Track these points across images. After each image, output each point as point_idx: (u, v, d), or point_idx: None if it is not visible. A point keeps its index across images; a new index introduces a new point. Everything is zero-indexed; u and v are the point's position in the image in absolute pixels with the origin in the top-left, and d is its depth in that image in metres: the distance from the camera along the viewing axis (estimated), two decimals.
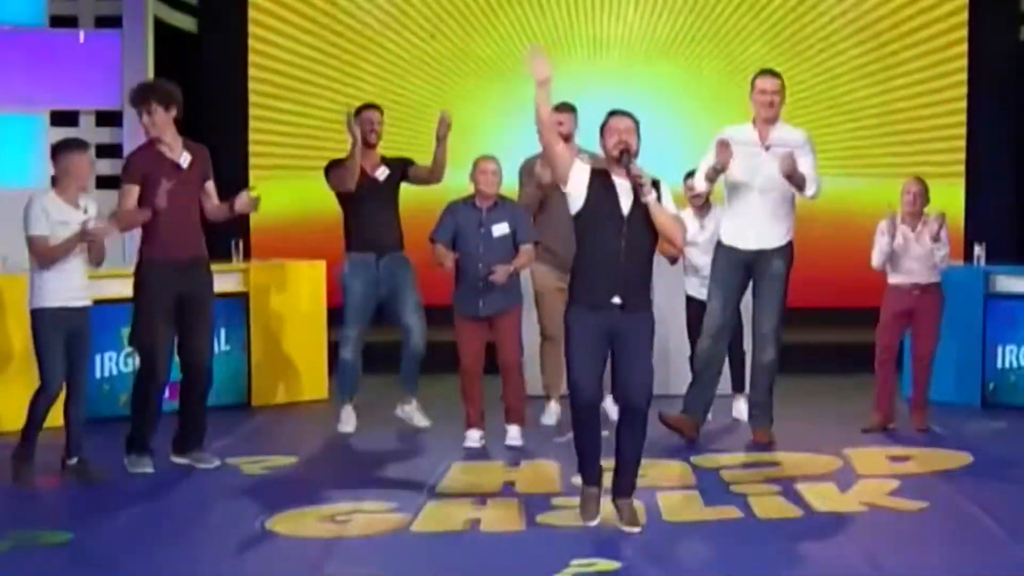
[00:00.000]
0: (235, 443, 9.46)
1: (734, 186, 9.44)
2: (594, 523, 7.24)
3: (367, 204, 9.67)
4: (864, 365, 10.28)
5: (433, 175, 9.85)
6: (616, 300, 7.13)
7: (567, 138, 9.96)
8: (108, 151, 13.20)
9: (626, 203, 7.15)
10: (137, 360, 8.95)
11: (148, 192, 8.43)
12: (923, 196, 9.81)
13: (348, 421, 9.96)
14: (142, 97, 8.61)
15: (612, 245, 7.13)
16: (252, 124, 14.44)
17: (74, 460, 8.31)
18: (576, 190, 7.20)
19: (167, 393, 9.97)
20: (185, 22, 14.25)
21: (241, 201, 8.68)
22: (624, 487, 7.31)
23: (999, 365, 10.81)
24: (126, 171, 8.61)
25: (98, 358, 10.13)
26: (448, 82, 14.61)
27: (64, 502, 7.92)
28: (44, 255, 8.04)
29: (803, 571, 6.62)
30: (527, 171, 10.08)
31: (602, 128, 7.24)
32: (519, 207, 9.52)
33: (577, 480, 7.65)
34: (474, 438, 9.37)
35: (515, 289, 9.40)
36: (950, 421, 9.92)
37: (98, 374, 10.15)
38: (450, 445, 9.36)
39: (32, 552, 6.80)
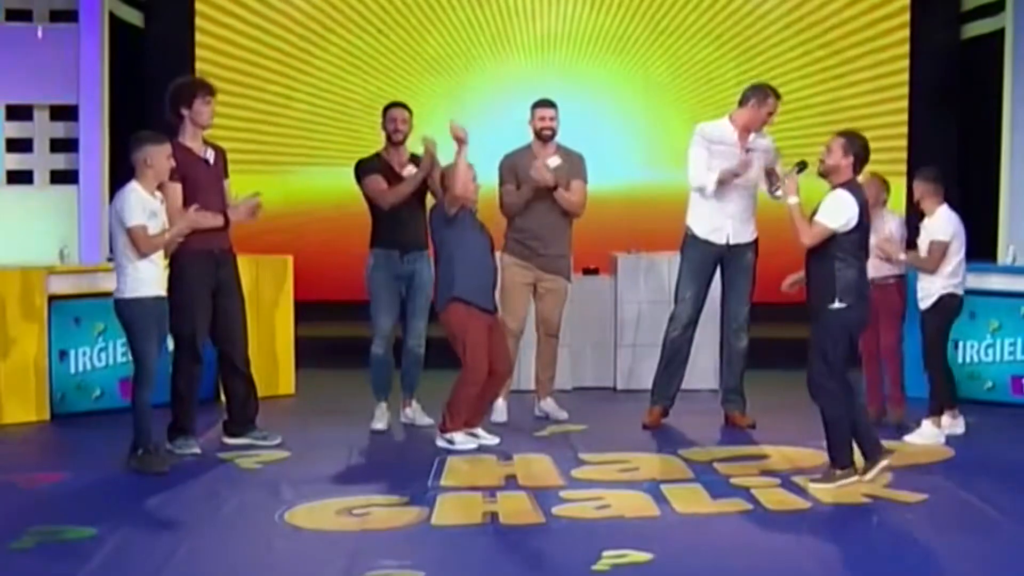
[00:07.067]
0: (217, 437, 9.41)
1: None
2: None
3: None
4: None
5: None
6: None
7: (554, 134, 10.06)
8: (63, 146, 13.08)
9: None
10: (175, 348, 9.17)
11: (186, 188, 8.74)
12: (876, 193, 10.04)
13: (380, 419, 9.88)
14: (213, 88, 9.07)
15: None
16: None
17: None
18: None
19: (120, 393, 10.03)
20: (132, 16, 14.12)
21: (241, 212, 9.14)
22: None
23: (960, 360, 11.02)
24: None
25: (72, 353, 10.19)
26: (396, 79, 14.65)
27: (85, 497, 7.86)
28: (146, 244, 8.21)
29: (833, 560, 6.74)
30: (508, 168, 10.15)
31: None
32: None
33: (577, 472, 8.35)
34: (465, 439, 9.22)
35: None
36: (917, 416, 10.07)
37: (73, 369, 10.20)
38: (433, 438, 9.37)
39: (57, 547, 6.77)
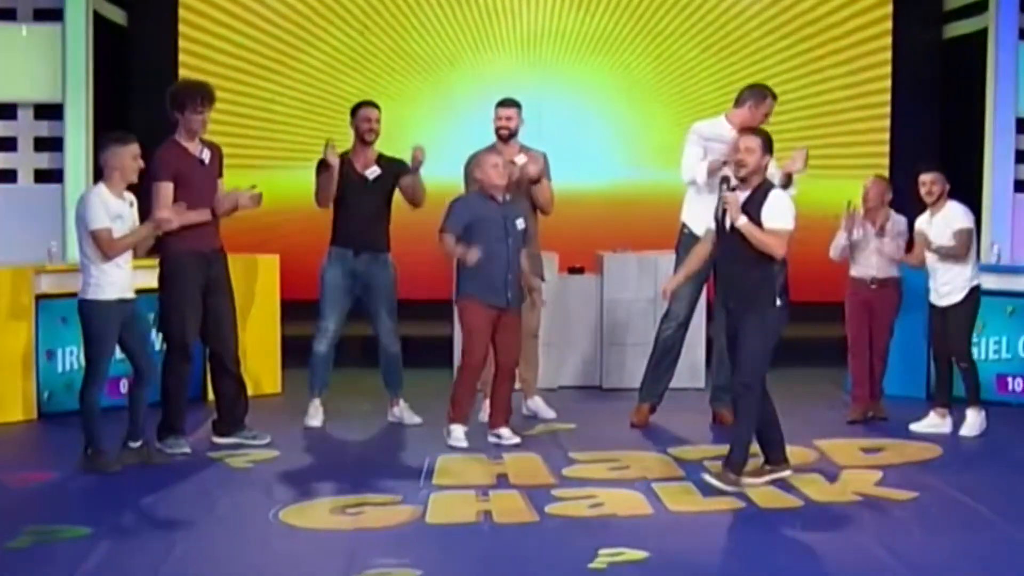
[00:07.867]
0: (206, 436, 9.40)
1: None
2: None
3: (352, 200, 9.73)
4: (815, 359, 10.61)
5: (412, 201, 9.91)
6: None
7: (512, 134, 10.04)
8: (48, 144, 13.03)
9: None
10: (165, 348, 9.19)
11: (179, 188, 8.72)
12: (881, 194, 10.14)
13: (315, 415, 9.95)
14: (211, 98, 8.99)
15: None
16: None
17: (138, 443, 8.56)
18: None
19: (108, 392, 10.02)
20: (116, 15, 14.06)
21: (243, 199, 9.08)
22: None
23: None
24: (159, 169, 8.75)
25: (59, 352, 10.16)
26: (380, 77, 14.61)
27: (77, 496, 7.89)
28: (111, 247, 8.17)
29: (829, 557, 6.78)
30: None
31: None
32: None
33: (568, 471, 8.35)
34: (461, 436, 9.20)
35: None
36: (904, 414, 10.13)
37: (60, 368, 10.18)
38: (422, 437, 9.44)
39: (53, 547, 6.77)
